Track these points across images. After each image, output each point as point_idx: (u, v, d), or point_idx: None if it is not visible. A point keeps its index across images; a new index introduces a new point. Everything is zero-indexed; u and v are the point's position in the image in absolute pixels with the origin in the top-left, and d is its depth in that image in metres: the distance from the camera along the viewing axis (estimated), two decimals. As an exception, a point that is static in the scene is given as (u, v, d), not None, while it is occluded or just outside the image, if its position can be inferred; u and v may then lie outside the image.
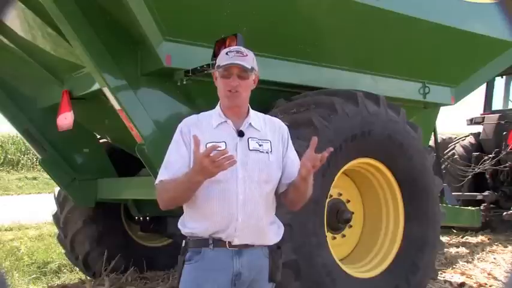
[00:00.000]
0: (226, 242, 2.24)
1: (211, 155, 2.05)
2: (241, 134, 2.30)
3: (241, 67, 2.24)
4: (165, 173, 2.28)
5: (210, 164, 2.06)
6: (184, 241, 2.34)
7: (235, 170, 2.22)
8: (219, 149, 2.08)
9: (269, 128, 2.38)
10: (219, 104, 2.36)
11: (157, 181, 2.30)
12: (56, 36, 4.04)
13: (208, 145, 2.18)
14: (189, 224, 2.30)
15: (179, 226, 2.35)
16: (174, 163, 2.27)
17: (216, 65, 2.31)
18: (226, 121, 2.31)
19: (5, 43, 4.62)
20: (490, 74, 5.85)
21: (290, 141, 2.43)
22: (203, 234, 2.26)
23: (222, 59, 2.28)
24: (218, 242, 2.25)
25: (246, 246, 2.26)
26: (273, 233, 2.35)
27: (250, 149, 2.28)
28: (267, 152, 2.30)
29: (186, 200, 2.27)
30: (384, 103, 4.08)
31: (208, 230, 2.25)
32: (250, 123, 2.33)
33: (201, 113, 2.40)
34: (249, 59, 2.28)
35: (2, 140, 20.95)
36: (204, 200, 2.24)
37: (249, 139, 2.30)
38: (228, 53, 2.27)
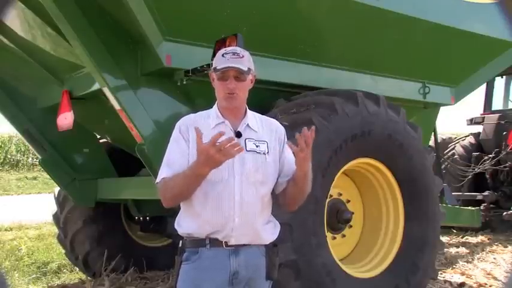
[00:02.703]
0: (223, 242, 2.25)
1: (217, 143, 2.03)
2: (238, 134, 2.29)
3: (238, 70, 2.23)
4: (167, 171, 2.26)
5: (216, 153, 2.03)
6: (181, 241, 2.34)
7: (232, 171, 2.23)
8: (224, 137, 2.05)
9: (266, 129, 2.38)
10: (216, 104, 2.36)
11: (158, 179, 2.29)
12: (56, 36, 4.04)
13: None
14: (186, 225, 2.30)
15: (175, 226, 2.34)
16: (176, 160, 2.26)
17: (213, 67, 2.30)
18: (223, 122, 2.31)
19: (5, 43, 4.62)
20: (490, 74, 5.85)
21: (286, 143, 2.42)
22: (200, 235, 2.26)
23: (218, 62, 2.26)
24: (215, 242, 2.25)
25: (243, 245, 2.27)
26: (269, 232, 2.36)
27: (247, 150, 2.27)
28: (264, 153, 2.30)
29: (189, 196, 2.25)
30: (384, 103, 4.08)
31: (205, 230, 2.25)
32: (247, 124, 2.33)
33: (198, 113, 2.39)
34: (245, 61, 2.26)
35: (2, 140, 20.94)
36: (201, 201, 2.24)
37: (246, 140, 2.29)
38: (224, 55, 2.26)
